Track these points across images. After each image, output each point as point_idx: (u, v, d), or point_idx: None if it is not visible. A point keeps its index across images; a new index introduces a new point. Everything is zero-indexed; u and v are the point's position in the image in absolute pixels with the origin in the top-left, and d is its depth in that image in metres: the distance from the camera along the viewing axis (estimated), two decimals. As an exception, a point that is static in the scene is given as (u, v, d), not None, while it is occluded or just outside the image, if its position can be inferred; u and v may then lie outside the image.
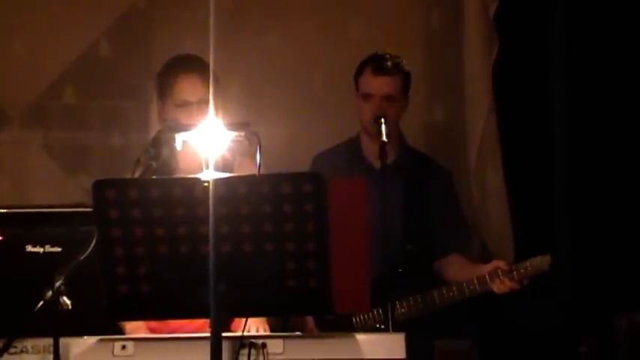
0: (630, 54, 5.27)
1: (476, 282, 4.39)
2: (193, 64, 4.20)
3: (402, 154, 4.71)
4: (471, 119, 5.59)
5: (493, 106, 5.55)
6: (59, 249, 5.29)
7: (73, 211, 5.40)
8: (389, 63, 4.68)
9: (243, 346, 3.34)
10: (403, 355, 3.34)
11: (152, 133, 4.17)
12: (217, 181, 3.12)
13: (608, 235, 5.08)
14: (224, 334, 3.18)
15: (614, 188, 5.15)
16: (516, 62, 5.55)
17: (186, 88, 4.20)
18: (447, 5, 5.66)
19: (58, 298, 3.37)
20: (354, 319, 4.41)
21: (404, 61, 4.75)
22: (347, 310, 4.04)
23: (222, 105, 3.86)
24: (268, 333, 3.73)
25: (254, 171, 3.44)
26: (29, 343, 3.44)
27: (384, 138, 4.32)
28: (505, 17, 5.55)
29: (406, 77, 4.71)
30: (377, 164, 4.55)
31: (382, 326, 4.15)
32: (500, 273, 4.37)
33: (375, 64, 4.68)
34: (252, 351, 3.34)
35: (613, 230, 5.10)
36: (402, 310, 4.38)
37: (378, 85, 4.64)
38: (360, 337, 3.39)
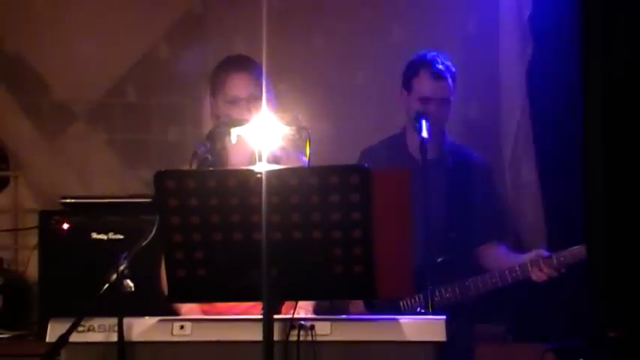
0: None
1: (517, 269, 4.38)
2: (243, 63, 4.20)
3: (445, 150, 4.68)
4: (505, 118, 5.59)
5: (527, 105, 5.54)
6: (122, 236, 5.35)
7: (133, 201, 5.47)
8: (442, 67, 4.64)
9: (292, 327, 3.30)
10: (444, 338, 3.30)
11: (205, 129, 4.15)
12: (270, 173, 3.11)
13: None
14: (275, 317, 3.17)
15: None
16: (549, 63, 5.48)
17: (237, 84, 4.18)
18: (483, 9, 5.62)
19: (122, 281, 3.39)
20: (401, 304, 4.40)
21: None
22: (390, 295, 4.03)
23: (273, 101, 3.87)
24: (315, 316, 3.67)
25: (301, 163, 3.46)
26: (96, 322, 3.42)
27: (425, 135, 4.31)
28: (539, 20, 5.52)
29: (455, 79, 4.68)
30: (419, 157, 4.51)
31: (423, 310, 4.14)
32: (541, 261, 4.36)
33: (433, 68, 4.63)
34: (302, 332, 3.30)
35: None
36: (447, 295, 4.37)
37: (435, 89, 4.61)
38: (403, 320, 3.36)
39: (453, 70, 4.69)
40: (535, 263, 4.37)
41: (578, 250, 4.35)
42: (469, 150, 4.74)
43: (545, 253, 4.45)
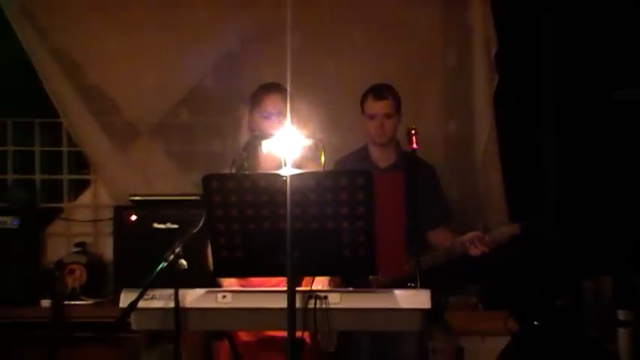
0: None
1: (458, 246, 4.37)
2: (276, 87, 4.23)
3: (399, 156, 4.72)
4: (477, 132, 5.56)
5: (493, 122, 5.51)
6: (177, 226, 5.35)
7: (186, 199, 5.47)
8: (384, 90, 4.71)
9: (310, 297, 3.31)
10: (429, 306, 3.31)
11: (242, 142, 4.15)
12: (293, 176, 3.15)
13: (585, 218, 5.03)
14: (297, 289, 3.20)
15: (594, 194, 5.06)
16: (511, 91, 5.49)
17: (271, 102, 4.22)
18: (462, 47, 5.59)
19: (178, 261, 3.42)
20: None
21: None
22: (388, 273, 4.04)
23: (296, 118, 3.80)
24: (329, 288, 3.67)
25: (317, 168, 3.46)
26: (157, 292, 3.44)
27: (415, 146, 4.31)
28: (503, 57, 5.50)
29: (398, 100, 4.70)
30: (381, 164, 4.65)
31: (412, 284, 4.10)
32: (476, 239, 4.32)
33: (374, 91, 4.71)
34: (317, 301, 3.31)
35: (589, 217, 5.04)
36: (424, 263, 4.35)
37: (380, 107, 4.66)
38: (398, 292, 3.36)
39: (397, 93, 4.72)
40: (471, 241, 4.33)
41: (505, 230, 4.35)
42: (417, 156, 4.69)
43: (478, 233, 4.40)
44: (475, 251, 4.32)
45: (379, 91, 4.66)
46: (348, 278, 4.09)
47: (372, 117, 4.66)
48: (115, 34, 5.80)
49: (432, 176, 4.77)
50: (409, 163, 4.50)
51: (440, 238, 4.60)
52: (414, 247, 4.27)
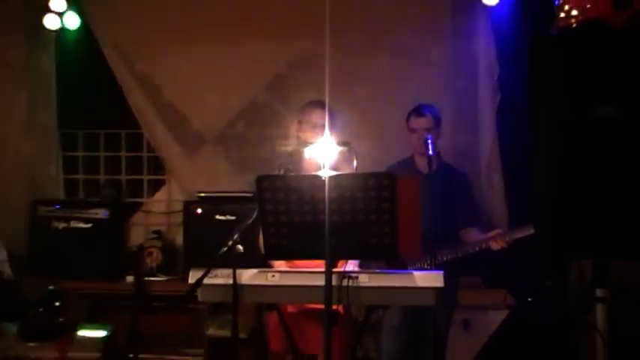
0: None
1: (483, 242, 4.32)
2: (320, 103, 4.14)
3: (439, 165, 4.56)
4: (482, 143, 5.51)
5: (496, 137, 5.46)
6: (234, 217, 5.37)
7: (242, 195, 5.50)
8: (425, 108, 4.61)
9: (344, 277, 3.28)
10: (442, 285, 3.27)
11: (288, 148, 4.20)
12: (330, 177, 3.13)
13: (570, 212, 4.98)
14: (333, 270, 3.18)
15: (578, 193, 4.99)
16: (510, 110, 5.43)
17: (317, 115, 4.12)
18: (468, 72, 5.53)
19: (235, 246, 3.41)
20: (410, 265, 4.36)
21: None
22: (406, 258, 4.02)
23: (334, 129, 3.79)
24: (359, 270, 3.60)
25: (352, 171, 3.45)
26: (219, 271, 3.43)
27: (431, 152, 4.27)
28: (503, 81, 5.44)
29: (437, 116, 4.59)
30: (423, 171, 4.50)
31: (428, 267, 4.10)
32: (498, 236, 4.29)
33: (417, 109, 4.60)
34: (350, 280, 3.28)
35: (573, 211, 4.99)
36: (442, 258, 4.31)
37: (421, 122, 4.55)
38: (416, 273, 3.33)
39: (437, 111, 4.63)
40: (494, 238, 4.29)
41: (522, 229, 4.25)
42: (454, 167, 4.65)
43: (500, 231, 4.36)
44: (496, 246, 4.25)
45: (420, 109, 4.54)
46: (389, 261, 4.02)
47: (414, 131, 4.52)
48: (186, 61, 5.85)
49: (465, 183, 4.62)
50: (445, 171, 4.48)
51: (469, 236, 4.46)
52: (442, 244, 4.29)
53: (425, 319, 4.25)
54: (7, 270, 3.58)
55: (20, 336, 4.43)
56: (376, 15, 5.54)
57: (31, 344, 4.41)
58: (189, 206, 5.65)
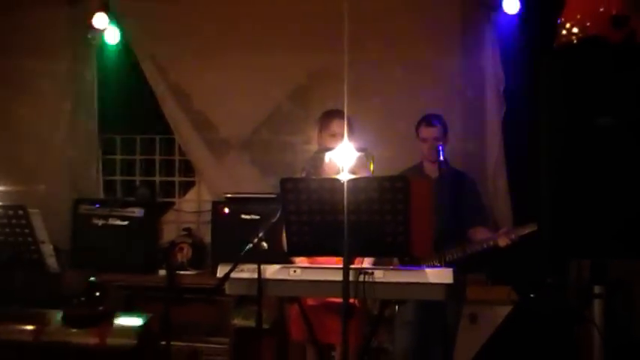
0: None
1: (490, 240, 4.31)
2: (339, 113, 4.14)
3: (446, 170, 4.55)
4: (489, 150, 5.49)
5: (501, 143, 5.45)
6: (258, 217, 5.37)
7: (266, 197, 5.49)
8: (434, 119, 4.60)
9: (360, 273, 3.30)
10: (452, 281, 3.28)
11: (310, 153, 4.17)
12: (349, 180, 3.15)
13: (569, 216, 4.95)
14: (350, 266, 3.20)
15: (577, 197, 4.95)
16: (515, 119, 5.41)
17: (336, 124, 4.15)
18: (476, 84, 5.52)
19: (260, 243, 3.42)
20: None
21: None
22: (419, 255, 4.00)
23: (352, 136, 3.80)
24: (374, 266, 3.63)
25: (367, 174, 3.46)
26: (245, 266, 3.45)
27: (441, 158, 4.27)
28: (508, 92, 5.43)
29: (445, 126, 4.60)
30: (432, 176, 4.50)
31: (438, 264, 4.10)
32: (504, 234, 4.28)
33: (426, 120, 4.60)
34: (366, 276, 3.30)
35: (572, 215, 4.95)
36: (452, 256, 4.31)
37: (430, 132, 4.55)
38: (427, 270, 3.33)
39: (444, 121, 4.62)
40: (500, 236, 4.28)
41: (526, 227, 4.26)
42: (461, 172, 4.65)
43: (506, 229, 4.37)
44: (503, 243, 4.26)
45: (430, 120, 4.55)
46: (403, 258, 4.00)
47: (424, 140, 4.53)
48: (215, 73, 5.86)
49: (472, 187, 4.64)
50: (453, 176, 4.49)
51: (477, 234, 4.46)
52: (452, 241, 4.29)
53: (436, 315, 4.24)
54: (53, 263, 3.61)
55: (64, 323, 4.44)
56: (391, 30, 5.54)
57: (74, 330, 4.42)
58: (217, 206, 5.65)
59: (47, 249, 3.60)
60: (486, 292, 5.15)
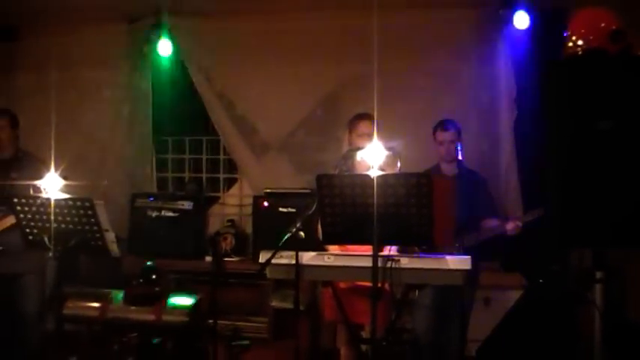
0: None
1: (499, 227, 4.33)
2: (368, 115, 4.17)
3: (462, 169, 4.59)
4: (502, 149, 5.46)
5: (513, 143, 5.43)
6: (294, 210, 5.41)
7: (301, 192, 5.53)
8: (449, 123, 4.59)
9: (387, 259, 3.32)
10: (469, 267, 3.31)
11: (341, 152, 4.18)
12: (378, 177, 3.16)
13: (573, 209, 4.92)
14: (379, 254, 3.23)
15: (580, 192, 4.91)
16: (525, 122, 5.39)
17: (365, 126, 4.17)
18: (490, 90, 5.50)
19: (297, 233, 3.44)
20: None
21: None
22: (440, 244, 3.98)
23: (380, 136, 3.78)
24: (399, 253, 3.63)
25: (396, 171, 3.47)
26: (284, 254, 3.47)
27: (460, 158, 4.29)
28: (520, 98, 5.41)
29: (459, 130, 4.59)
30: (448, 174, 4.52)
31: (455, 251, 4.11)
32: (511, 221, 4.31)
33: (443, 124, 4.59)
34: (393, 263, 3.32)
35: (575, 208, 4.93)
36: (465, 242, 4.30)
37: (446, 136, 4.55)
38: (448, 257, 3.36)
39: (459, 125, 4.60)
40: (508, 223, 4.30)
41: (534, 212, 4.28)
42: (475, 171, 4.65)
43: (513, 217, 4.40)
44: (510, 227, 4.26)
45: (445, 124, 4.54)
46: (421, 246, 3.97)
47: (441, 143, 4.53)
48: (256, 81, 5.90)
49: (483, 184, 4.63)
50: (468, 174, 4.50)
51: (488, 223, 4.46)
52: (467, 230, 4.28)
53: (452, 299, 4.26)
54: (115, 248, 3.70)
55: (125, 302, 4.54)
56: (413, 43, 5.53)
57: (133, 308, 4.51)
58: (257, 200, 5.70)
59: (110, 236, 3.68)
60: (499, 278, 5.16)
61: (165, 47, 5.96)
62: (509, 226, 4.27)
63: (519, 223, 4.26)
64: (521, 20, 5.25)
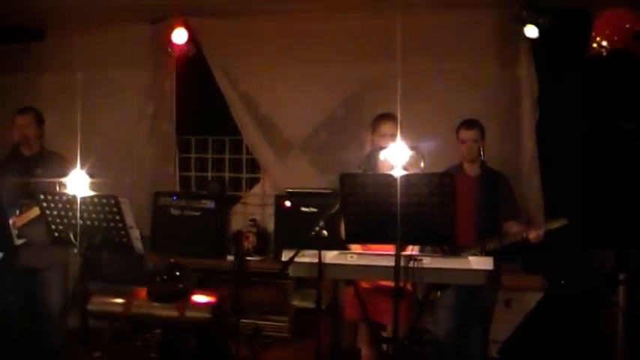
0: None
1: (522, 233, 4.27)
2: (390, 116, 4.16)
3: (483, 170, 4.52)
4: (524, 150, 5.44)
5: (535, 144, 5.40)
6: (316, 209, 5.39)
7: (323, 192, 5.51)
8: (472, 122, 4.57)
9: (410, 259, 3.33)
10: (491, 267, 3.30)
11: (364, 152, 4.18)
12: (401, 176, 3.16)
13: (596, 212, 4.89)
14: (402, 253, 3.24)
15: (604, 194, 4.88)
16: (548, 122, 5.37)
17: (387, 126, 4.15)
18: (512, 91, 5.48)
19: (320, 231, 3.44)
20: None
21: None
22: (462, 244, 3.96)
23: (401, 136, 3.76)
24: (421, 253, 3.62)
25: (419, 171, 3.45)
26: (307, 252, 3.50)
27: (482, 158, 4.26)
28: (542, 99, 5.38)
29: (482, 129, 4.56)
30: (470, 173, 4.50)
31: (478, 254, 4.08)
32: (533, 229, 4.25)
33: (466, 123, 4.57)
34: (415, 262, 3.33)
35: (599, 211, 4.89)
36: (488, 247, 4.27)
37: (469, 135, 4.53)
38: (470, 257, 3.36)
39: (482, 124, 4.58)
40: (531, 230, 4.24)
41: (555, 221, 4.19)
42: (497, 171, 4.60)
43: (536, 225, 4.32)
44: (533, 236, 4.20)
45: (469, 123, 4.53)
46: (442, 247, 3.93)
47: (463, 142, 4.51)
48: (279, 82, 5.93)
49: (506, 184, 4.59)
50: (490, 174, 4.45)
51: (511, 228, 4.41)
52: (489, 233, 4.25)
53: (474, 299, 4.23)
54: (140, 246, 3.72)
55: (149, 298, 4.57)
56: (436, 43, 5.53)
57: (157, 304, 4.54)
58: (279, 199, 5.69)
59: (134, 233, 3.69)
60: (520, 279, 5.14)
61: (188, 47, 5.99)
62: (532, 235, 4.21)
63: (541, 233, 4.21)
64: (545, 20, 5.18)
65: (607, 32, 4.80)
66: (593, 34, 4.85)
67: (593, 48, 4.86)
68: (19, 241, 4.21)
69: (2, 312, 4.45)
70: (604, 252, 4.43)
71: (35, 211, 4.05)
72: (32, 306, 4.52)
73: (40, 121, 4.70)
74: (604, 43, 4.76)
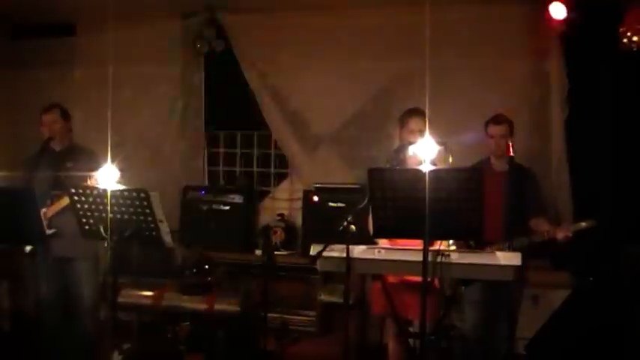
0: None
1: (551, 231, 4.24)
2: (419, 111, 4.12)
3: (511, 165, 4.41)
4: (553, 147, 5.38)
5: (565, 140, 5.33)
6: (344, 205, 5.41)
7: (350, 187, 5.53)
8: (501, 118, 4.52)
9: (438, 254, 3.32)
10: (519, 263, 3.29)
11: (393, 147, 4.15)
12: (430, 171, 3.16)
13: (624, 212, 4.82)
14: (429, 248, 3.23)
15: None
16: (578, 119, 5.31)
17: (416, 121, 4.10)
18: (542, 87, 5.43)
19: (348, 226, 3.47)
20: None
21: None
22: (489, 239, 3.96)
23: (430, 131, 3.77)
24: (448, 248, 3.61)
25: (447, 166, 3.45)
26: (335, 246, 3.51)
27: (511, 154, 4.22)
28: (572, 95, 5.31)
29: (511, 125, 4.51)
30: (498, 170, 4.45)
31: (507, 249, 4.05)
32: (562, 229, 4.21)
33: (495, 119, 4.53)
34: (443, 257, 3.32)
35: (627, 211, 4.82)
36: (516, 244, 4.21)
37: (497, 130, 4.49)
38: (498, 253, 3.36)
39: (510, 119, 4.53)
40: (559, 229, 4.20)
41: (584, 223, 4.17)
42: (525, 167, 4.55)
43: (565, 225, 4.29)
44: (561, 235, 4.16)
45: (498, 119, 4.49)
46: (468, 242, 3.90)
47: (492, 137, 4.47)
48: (308, 77, 5.94)
49: (533, 181, 4.54)
50: (518, 170, 4.41)
51: (537, 224, 4.35)
52: (516, 229, 4.19)
53: (500, 295, 4.20)
54: (169, 239, 3.75)
55: (178, 290, 4.62)
56: (464, 39, 5.51)
57: (186, 297, 4.60)
58: (307, 194, 5.74)
59: (164, 227, 3.72)
60: (547, 276, 5.09)
61: (218, 42, 6.03)
62: (560, 236, 4.17)
63: (569, 234, 4.17)
64: (574, 15, 5.12)
65: (637, 27, 4.74)
66: (624, 28, 4.78)
67: (624, 43, 4.80)
68: (49, 231, 4.28)
69: (36, 303, 4.53)
70: (633, 249, 4.38)
71: (65, 201, 4.11)
72: (64, 298, 4.58)
73: (65, 116, 4.74)
74: (635, 39, 4.70)
